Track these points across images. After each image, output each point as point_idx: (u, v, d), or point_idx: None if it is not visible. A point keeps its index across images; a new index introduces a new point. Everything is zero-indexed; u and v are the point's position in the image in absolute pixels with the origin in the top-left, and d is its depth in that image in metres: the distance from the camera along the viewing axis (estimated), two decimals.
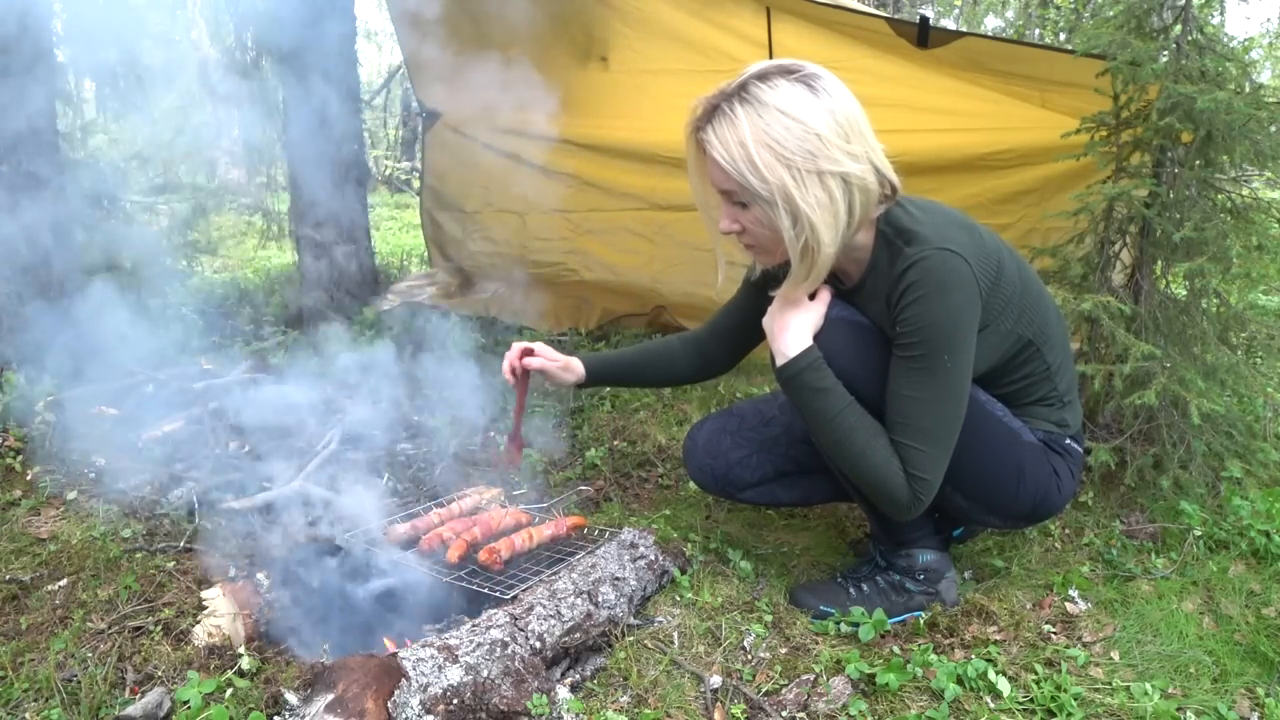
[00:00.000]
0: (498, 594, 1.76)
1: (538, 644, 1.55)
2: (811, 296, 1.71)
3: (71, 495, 2.29)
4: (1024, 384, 1.75)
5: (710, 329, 2.08)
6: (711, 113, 1.52)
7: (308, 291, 4.06)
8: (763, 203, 1.50)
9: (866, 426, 1.62)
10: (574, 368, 2.03)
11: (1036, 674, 1.63)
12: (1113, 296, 2.25)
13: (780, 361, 1.68)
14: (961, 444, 1.63)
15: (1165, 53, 2.27)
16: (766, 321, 1.74)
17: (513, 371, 1.99)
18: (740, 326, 2.00)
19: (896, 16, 4.17)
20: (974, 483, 1.72)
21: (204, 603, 1.72)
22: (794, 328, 1.68)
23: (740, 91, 1.49)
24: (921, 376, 1.56)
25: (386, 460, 2.61)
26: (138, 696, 1.50)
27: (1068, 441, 1.80)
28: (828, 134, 1.47)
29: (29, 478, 2.38)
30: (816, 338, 1.67)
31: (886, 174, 1.55)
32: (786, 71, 1.50)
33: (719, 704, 1.56)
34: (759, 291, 1.88)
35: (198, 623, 1.69)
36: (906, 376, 1.58)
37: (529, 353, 1.99)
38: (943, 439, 1.60)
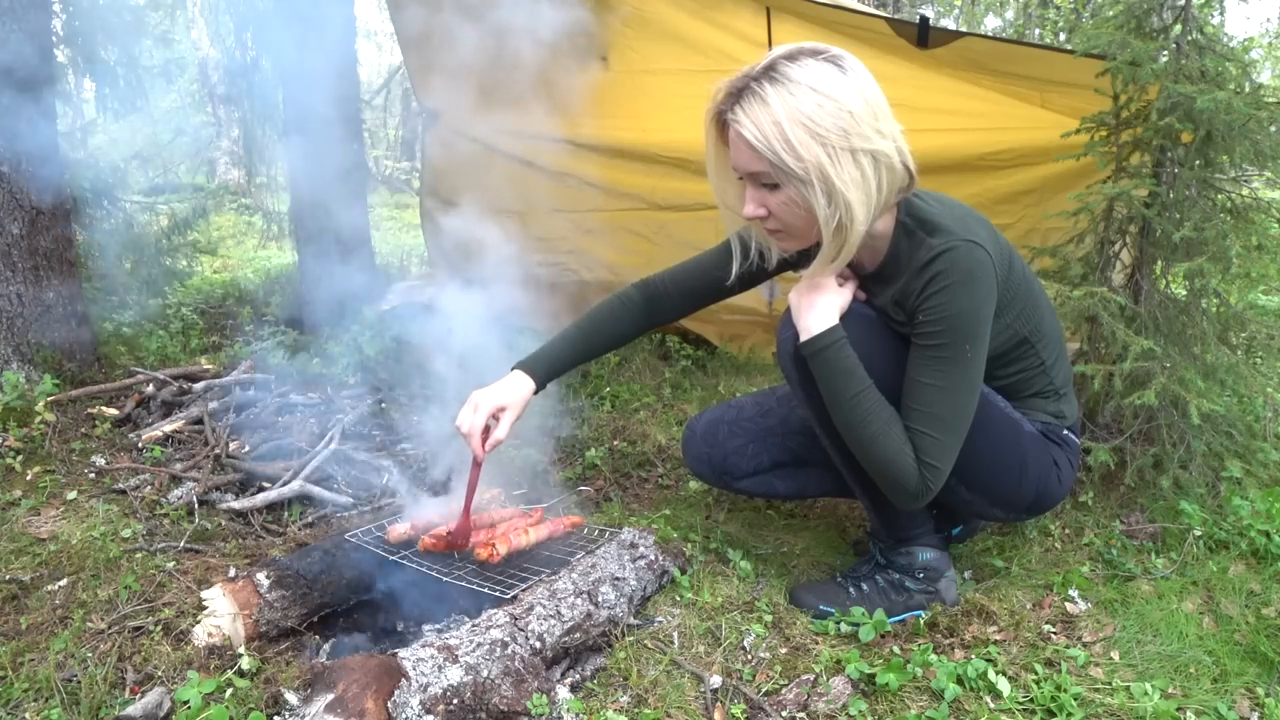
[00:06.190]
0: (498, 594, 1.75)
1: (538, 644, 1.55)
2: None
3: (71, 495, 2.29)
4: (1018, 378, 1.77)
5: (674, 281, 1.99)
6: (738, 94, 1.50)
7: (307, 291, 4.06)
8: (797, 182, 1.49)
9: (882, 411, 1.62)
10: (523, 388, 1.85)
11: (1036, 674, 1.63)
12: (1112, 294, 2.25)
13: (804, 337, 1.67)
14: (966, 435, 1.64)
15: (1165, 53, 2.27)
16: (793, 298, 1.73)
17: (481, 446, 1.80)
18: (709, 287, 1.95)
19: (896, 16, 4.17)
20: (978, 473, 1.73)
21: (204, 603, 1.71)
22: (821, 306, 1.68)
23: (768, 72, 1.48)
24: (942, 365, 1.57)
25: (386, 460, 2.61)
26: (138, 696, 1.50)
27: (1065, 432, 1.83)
28: (860, 112, 1.47)
29: (29, 478, 2.38)
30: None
31: (907, 158, 1.57)
32: (814, 52, 1.50)
33: (719, 704, 1.55)
34: (738, 257, 1.85)
35: (198, 623, 1.69)
36: (927, 364, 1.59)
37: (487, 432, 1.80)
38: (957, 428, 1.61)
